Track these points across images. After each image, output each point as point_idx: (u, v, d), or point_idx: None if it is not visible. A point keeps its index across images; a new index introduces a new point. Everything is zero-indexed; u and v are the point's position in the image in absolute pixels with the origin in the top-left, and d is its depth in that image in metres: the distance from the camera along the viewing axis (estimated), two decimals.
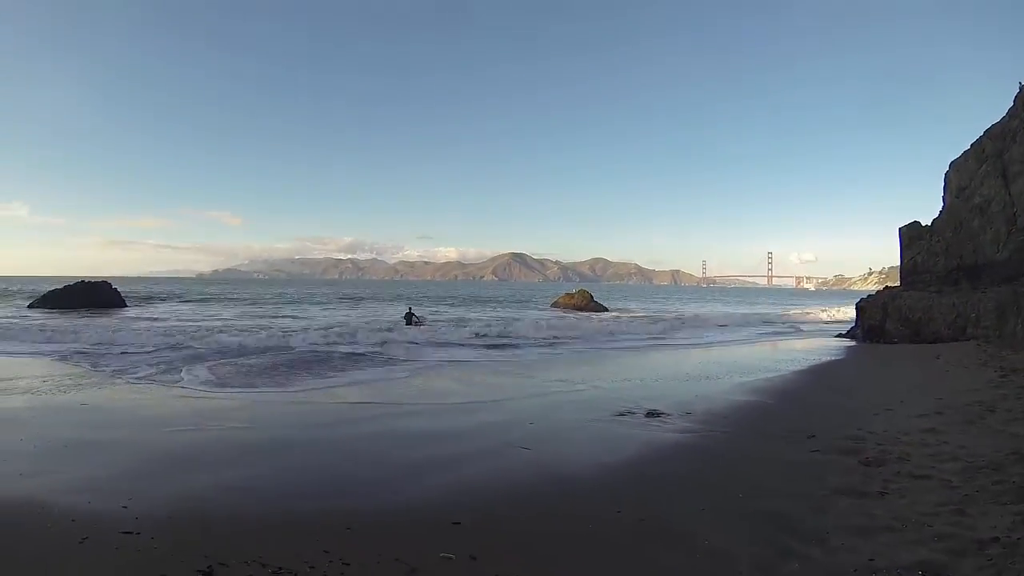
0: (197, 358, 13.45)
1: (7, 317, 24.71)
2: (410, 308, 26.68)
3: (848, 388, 9.78)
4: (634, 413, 8.03)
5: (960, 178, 19.29)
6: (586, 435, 6.99)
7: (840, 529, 3.97)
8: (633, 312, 38.80)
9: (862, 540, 3.77)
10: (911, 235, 20.59)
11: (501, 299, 52.35)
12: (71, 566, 3.49)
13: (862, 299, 20.40)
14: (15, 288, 50.41)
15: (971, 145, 19.21)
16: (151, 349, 14.86)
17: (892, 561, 3.43)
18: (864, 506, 4.34)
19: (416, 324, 23.29)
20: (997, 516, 3.86)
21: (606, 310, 38.36)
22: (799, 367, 13.12)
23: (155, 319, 26.95)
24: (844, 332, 21.28)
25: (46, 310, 28.97)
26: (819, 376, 11.78)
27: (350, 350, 15.60)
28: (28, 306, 31.22)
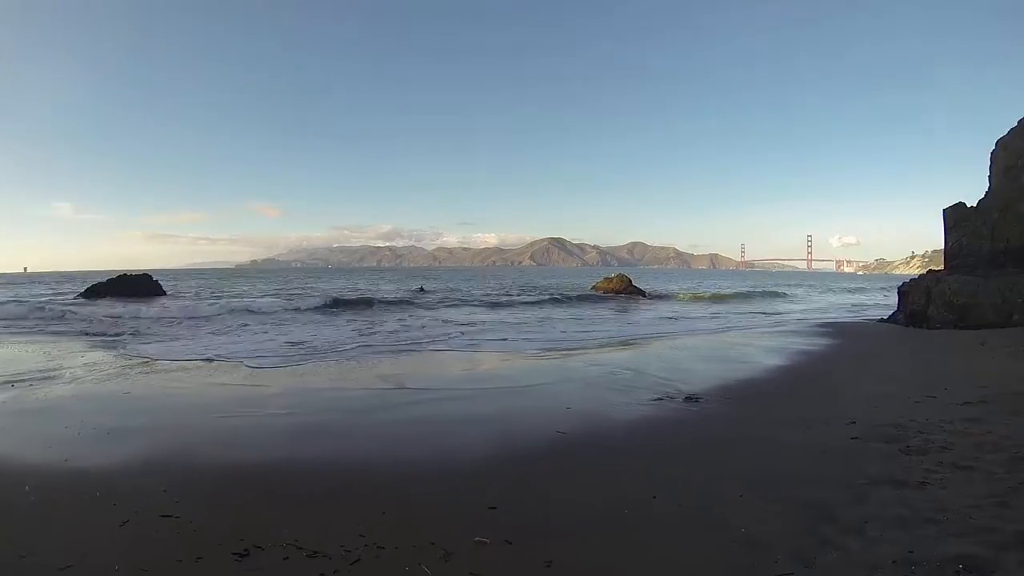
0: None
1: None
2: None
3: (890, 374, 9.57)
4: (673, 398, 8.05)
5: (1007, 157, 18.44)
6: (623, 420, 7.04)
7: (879, 519, 3.95)
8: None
9: (902, 531, 3.75)
10: (956, 217, 19.80)
11: (534, 287, 51.67)
12: (113, 548, 3.71)
13: (904, 283, 19.82)
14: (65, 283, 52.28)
15: (1018, 122, 18.34)
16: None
17: (932, 553, 3.41)
18: (904, 496, 4.30)
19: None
20: None
21: (644, 294, 38.14)
22: (841, 352, 12.92)
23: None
24: (886, 317, 20.73)
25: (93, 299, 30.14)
26: (861, 362, 11.54)
27: None
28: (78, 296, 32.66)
